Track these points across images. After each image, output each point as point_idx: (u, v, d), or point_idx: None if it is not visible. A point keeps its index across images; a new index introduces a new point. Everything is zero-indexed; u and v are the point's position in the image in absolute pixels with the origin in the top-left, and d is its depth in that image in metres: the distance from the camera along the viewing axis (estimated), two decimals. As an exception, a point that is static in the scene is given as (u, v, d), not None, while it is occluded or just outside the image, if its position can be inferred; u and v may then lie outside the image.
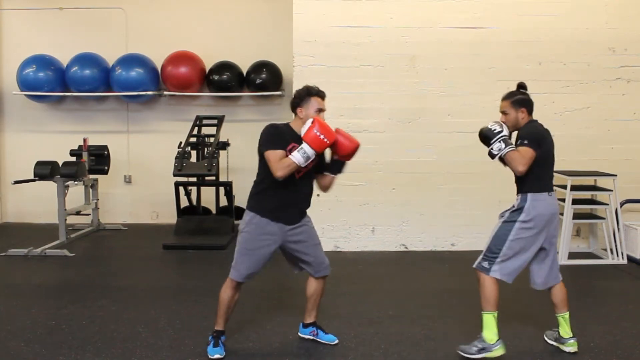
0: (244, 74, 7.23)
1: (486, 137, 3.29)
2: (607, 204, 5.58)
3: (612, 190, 5.56)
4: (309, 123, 3.14)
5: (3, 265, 5.46)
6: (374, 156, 5.91)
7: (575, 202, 5.54)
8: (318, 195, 5.93)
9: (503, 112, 3.34)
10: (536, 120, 3.35)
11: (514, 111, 3.30)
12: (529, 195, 3.23)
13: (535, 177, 3.24)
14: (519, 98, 3.32)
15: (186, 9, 7.42)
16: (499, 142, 3.22)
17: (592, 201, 5.78)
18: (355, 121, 5.85)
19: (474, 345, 3.26)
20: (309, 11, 5.85)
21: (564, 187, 5.55)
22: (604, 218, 5.68)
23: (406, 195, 5.98)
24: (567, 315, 3.40)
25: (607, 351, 3.44)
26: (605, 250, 5.73)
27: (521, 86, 3.41)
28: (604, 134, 5.97)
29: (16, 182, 6.20)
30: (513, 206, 3.29)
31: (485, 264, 3.25)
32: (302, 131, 3.14)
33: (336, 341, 3.53)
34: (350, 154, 3.30)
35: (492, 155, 3.28)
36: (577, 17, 5.88)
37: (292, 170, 3.13)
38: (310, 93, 3.25)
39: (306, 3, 5.85)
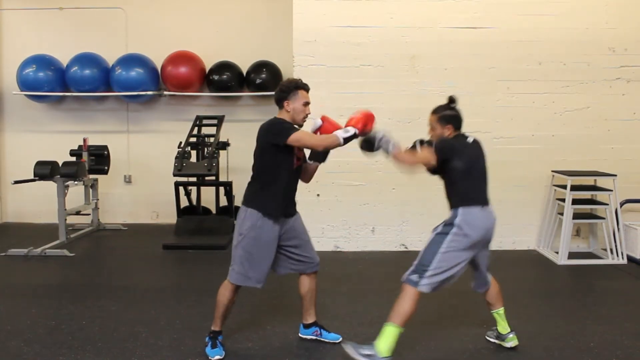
0: (244, 74, 7.23)
1: (369, 143, 3.21)
2: (607, 204, 5.58)
3: (612, 190, 5.57)
4: (318, 122, 3.23)
5: (3, 265, 5.46)
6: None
7: (575, 202, 5.54)
8: (318, 195, 6.02)
9: (430, 127, 3.33)
10: (462, 135, 3.30)
11: (440, 127, 3.29)
12: (460, 209, 3.19)
13: (464, 192, 3.22)
14: (446, 115, 3.29)
15: (186, 9, 7.42)
16: (382, 141, 3.16)
17: (592, 201, 5.78)
18: (355, 121, 5.83)
19: (363, 349, 3.10)
20: (309, 11, 5.84)
21: (564, 187, 5.55)
22: (604, 218, 5.68)
23: (406, 195, 5.98)
24: (501, 311, 3.44)
25: (607, 351, 3.44)
26: (605, 250, 5.73)
27: (451, 100, 3.35)
28: (604, 134, 5.97)
29: (16, 182, 6.20)
30: (445, 221, 3.26)
31: (414, 277, 3.16)
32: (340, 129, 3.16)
33: (340, 339, 3.54)
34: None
35: (386, 151, 3.18)
36: (577, 17, 5.88)
37: (332, 146, 3.14)
38: (297, 86, 3.29)
39: (306, 3, 5.85)
